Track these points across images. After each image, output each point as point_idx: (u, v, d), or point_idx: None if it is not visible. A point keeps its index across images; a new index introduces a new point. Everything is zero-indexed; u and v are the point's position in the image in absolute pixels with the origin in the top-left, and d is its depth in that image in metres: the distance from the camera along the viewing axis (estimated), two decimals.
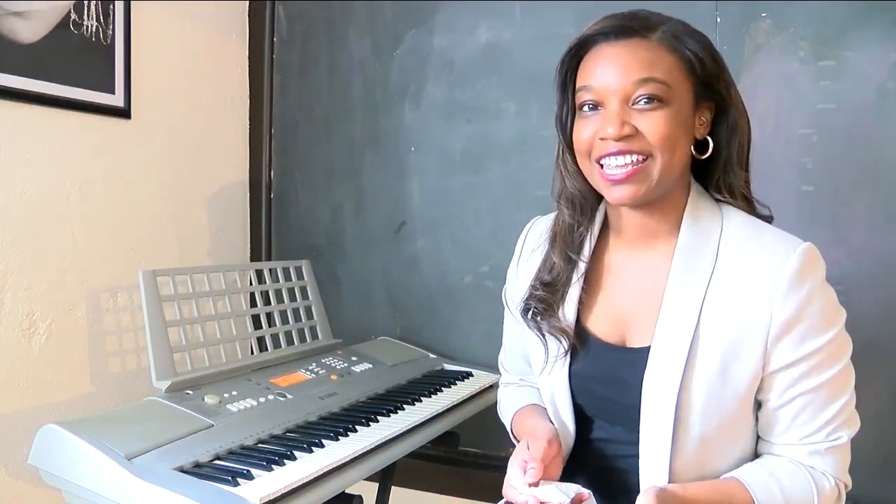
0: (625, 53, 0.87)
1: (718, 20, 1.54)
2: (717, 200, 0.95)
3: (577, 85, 0.91)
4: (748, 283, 0.87)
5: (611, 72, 0.87)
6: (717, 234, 0.91)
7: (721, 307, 0.88)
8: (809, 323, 0.86)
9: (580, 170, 0.95)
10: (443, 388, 1.58)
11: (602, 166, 0.89)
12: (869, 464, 1.42)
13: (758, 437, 0.94)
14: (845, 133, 1.44)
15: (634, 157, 0.87)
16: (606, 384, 0.95)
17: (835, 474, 0.89)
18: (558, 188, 1.00)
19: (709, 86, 0.90)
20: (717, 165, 0.94)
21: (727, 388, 0.88)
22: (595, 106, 0.89)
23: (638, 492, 0.85)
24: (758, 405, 0.92)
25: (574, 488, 0.87)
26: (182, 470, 1.07)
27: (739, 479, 0.88)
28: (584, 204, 0.99)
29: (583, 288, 0.98)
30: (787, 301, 0.85)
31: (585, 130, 0.90)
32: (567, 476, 0.97)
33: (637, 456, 0.91)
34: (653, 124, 0.86)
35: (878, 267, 1.42)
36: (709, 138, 0.92)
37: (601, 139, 0.87)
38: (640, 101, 0.86)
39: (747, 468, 0.90)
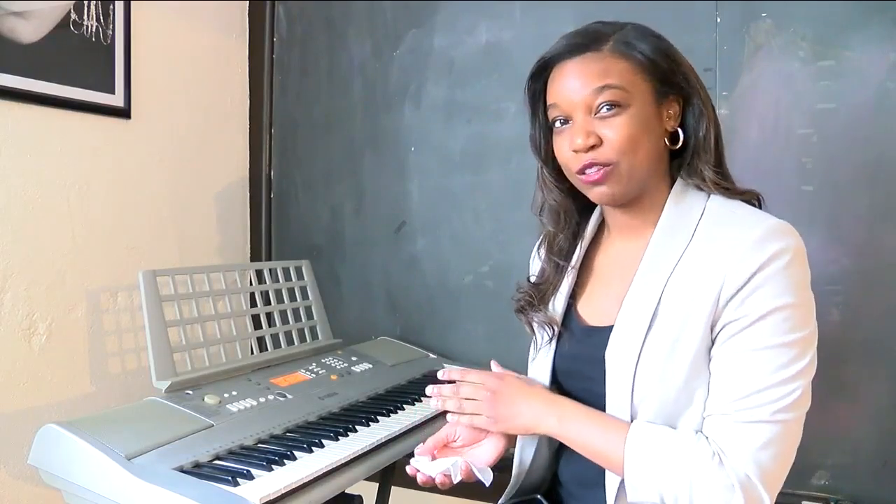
0: (580, 68, 0.94)
1: (718, 20, 1.54)
2: (705, 192, 0.97)
3: (548, 103, 0.99)
4: (713, 254, 0.89)
5: (571, 86, 0.94)
6: (697, 217, 0.95)
7: (684, 281, 0.91)
8: (756, 284, 0.85)
9: (558, 184, 1.04)
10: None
11: (583, 173, 0.96)
12: (869, 464, 1.42)
13: None
14: (845, 133, 1.44)
15: (601, 166, 0.93)
16: (588, 364, 0.98)
17: (731, 454, 0.82)
18: (539, 203, 1.08)
19: (667, 81, 0.95)
20: (687, 152, 0.98)
21: (683, 359, 0.88)
22: (566, 120, 0.96)
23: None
24: None
25: (454, 461, 0.99)
26: (182, 470, 1.07)
27: (632, 423, 0.89)
28: (564, 215, 1.07)
29: (578, 280, 1.07)
30: (740, 265, 0.86)
31: (563, 145, 0.97)
32: (553, 464, 1.07)
33: None
34: (615, 130, 0.92)
35: (878, 267, 1.42)
36: (679, 129, 0.97)
37: (574, 151, 0.94)
38: (601, 108, 0.93)
39: (651, 424, 0.90)
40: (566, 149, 0.96)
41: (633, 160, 0.93)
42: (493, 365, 1.06)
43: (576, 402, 0.96)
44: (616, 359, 0.93)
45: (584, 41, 0.95)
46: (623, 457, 0.87)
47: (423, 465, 0.99)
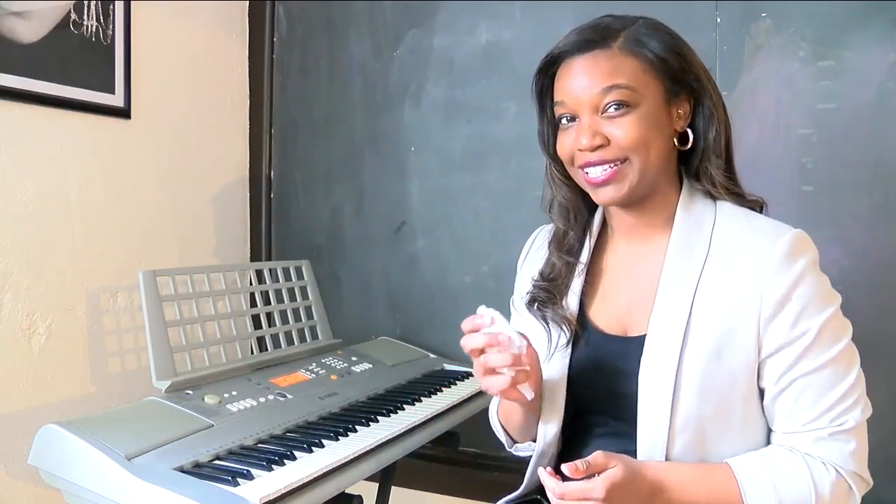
0: (588, 66, 0.92)
1: (718, 20, 1.54)
2: (711, 196, 0.97)
3: (554, 100, 0.97)
4: (739, 267, 0.90)
5: (578, 85, 0.93)
6: (710, 225, 0.94)
7: (714, 292, 0.90)
8: (801, 303, 0.87)
9: (566, 180, 1.02)
10: (443, 388, 1.58)
11: (586, 172, 0.94)
12: (869, 464, 1.42)
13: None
14: (845, 133, 1.44)
15: (610, 165, 0.92)
16: (606, 374, 0.97)
17: (839, 462, 0.87)
18: (548, 199, 1.06)
19: (678, 80, 0.94)
20: (696, 154, 0.97)
21: (722, 372, 0.89)
22: (572, 118, 0.95)
23: None
24: (762, 396, 0.92)
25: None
26: (182, 470, 1.07)
27: (726, 462, 0.89)
28: (574, 211, 1.05)
29: (585, 283, 1.03)
30: (775, 281, 0.87)
31: (566, 141, 0.96)
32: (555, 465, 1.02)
33: (635, 448, 0.91)
34: (623, 130, 0.90)
35: (878, 267, 1.42)
36: (688, 130, 0.96)
37: (579, 150, 0.93)
38: (609, 108, 0.91)
39: (740, 455, 0.90)
40: (569, 145, 0.94)
41: (645, 159, 0.91)
42: (568, 468, 0.83)
43: (668, 466, 0.89)
44: (652, 374, 0.91)
45: (594, 37, 0.93)
46: (741, 495, 0.86)
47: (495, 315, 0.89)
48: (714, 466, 0.89)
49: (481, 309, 0.91)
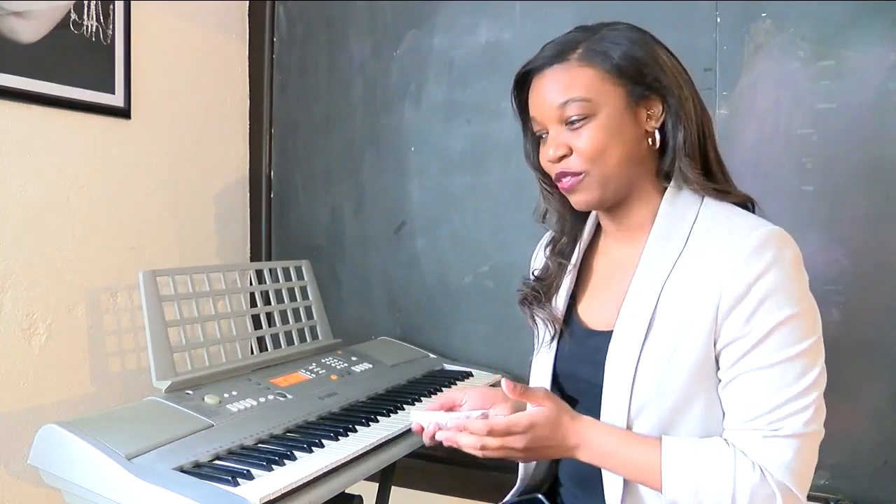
0: (547, 83, 0.97)
1: (718, 20, 1.54)
2: (699, 193, 0.97)
3: (530, 115, 1.02)
4: (707, 262, 0.90)
5: (541, 101, 0.98)
6: (691, 222, 0.95)
7: (681, 286, 0.91)
8: (759, 298, 0.85)
9: (554, 191, 1.06)
10: (443, 388, 1.58)
11: (560, 181, 0.99)
12: (869, 464, 1.42)
13: None
14: (845, 133, 1.44)
15: (571, 176, 0.96)
16: (585, 366, 1.00)
17: (769, 468, 0.83)
18: (542, 210, 1.11)
19: (640, 82, 0.95)
20: (665, 154, 0.98)
21: (681, 364, 0.89)
22: (544, 131, 0.99)
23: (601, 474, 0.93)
24: None
25: (477, 413, 0.96)
26: (182, 470, 1.07)
27: (660, 437, 0.89)
28: (563, 218, 1.09)
29: (578, 282, 1.08)
30: (737, 275, 0.86)
31: (541, 155, 1.01)
32: (554, 464, 1.09)
33: None
34: (582, 140, 0.94)
35: (878, 267, 1.42)
36: (657, 130, 0.96)
37: (549, 162, 0.98)
38: (571, 121, 0.95)
39: (680, 437, 0.90)
40: (542, 159, 0.99)
41: (604, 167, 0.94)
42: (505, 383, 0.91)
43: (600, 426, 0.92)
44: (615, 365, 0.93)
45: (553, 52, 0.97)
46: (660, 471, 0.86)
47: (422, 417, 0.97)
48: (647, 439, 0.89)
49: (414, 415, 0.99)
